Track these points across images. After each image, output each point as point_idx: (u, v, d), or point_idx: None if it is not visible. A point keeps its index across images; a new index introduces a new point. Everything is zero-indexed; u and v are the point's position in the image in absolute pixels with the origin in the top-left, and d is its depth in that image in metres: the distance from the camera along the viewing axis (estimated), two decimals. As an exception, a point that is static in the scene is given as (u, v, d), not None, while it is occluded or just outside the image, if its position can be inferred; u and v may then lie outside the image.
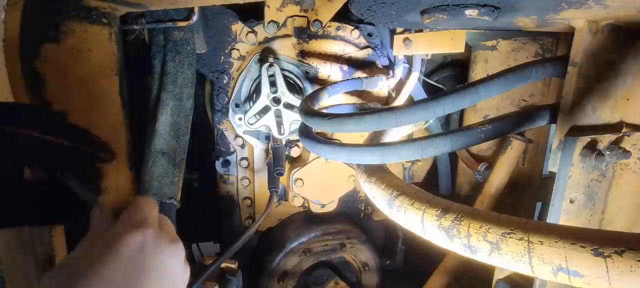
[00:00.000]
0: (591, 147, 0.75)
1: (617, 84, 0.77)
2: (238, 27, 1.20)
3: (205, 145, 1.38)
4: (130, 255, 0.52)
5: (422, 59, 1.26)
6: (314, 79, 1.28)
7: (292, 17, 1.20)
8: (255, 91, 1.23)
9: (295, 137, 1.33)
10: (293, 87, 1.24)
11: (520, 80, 0.78)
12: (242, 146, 1.34)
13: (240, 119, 1.26)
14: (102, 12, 0.77)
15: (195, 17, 0.96)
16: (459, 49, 1.11)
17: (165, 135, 0.96)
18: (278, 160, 1.22)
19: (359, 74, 1.30)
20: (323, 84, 1.27)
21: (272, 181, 1.24)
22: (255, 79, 1.24)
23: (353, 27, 1.26)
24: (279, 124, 1.22)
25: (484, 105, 1.29)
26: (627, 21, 0.73)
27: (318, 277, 1.44)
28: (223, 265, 0.98)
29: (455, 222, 0.55)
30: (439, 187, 1.50)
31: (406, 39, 1.16)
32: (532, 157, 1.22)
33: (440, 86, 1.45)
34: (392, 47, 1.21)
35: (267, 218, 1.21)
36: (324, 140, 0.89)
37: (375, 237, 1.61)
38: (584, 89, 0.76)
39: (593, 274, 0.43)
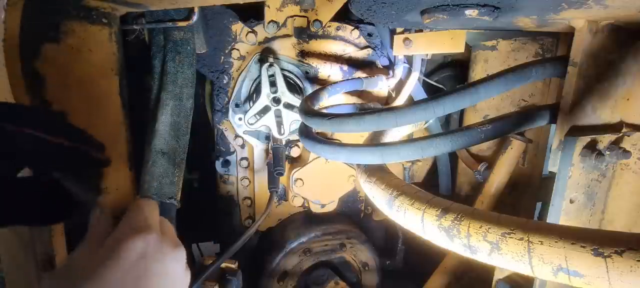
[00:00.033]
0: (591, 147, 0.75)
1: (617, 84, 0.77)
2: (238, 27, 1.20)
3: (205, 145, 1.38)
4: (133, 261, 0.52)
5: (422, 59, 1.26)
6: (314, 79, 1.28)
7: (292, 17, 1.20)
8: (255, 91, 1.23)
9: (295, 137, 1.33)
10: (293, 87, 1.24)
11: (520, 80, 0.78)
12: (242, 146, 1.34)
13: (240, 119, 1.26)
14: (102, 12, 0.77)
15: (195, 17, 0.96)
16: (459, 49, 1.11)
17: (165, 135, 0.96)
18: (278, 160, 1.22)
19: (359, 74, 1.30)
20: (323, 84, 1.27)
21: (272, 181, 1.24)
22: (255, 79, 1.24)
23: (353, 27, 1.26)
24: (279, 124, 1.22)
25: (484, 105, 1.29)
26: (627, 21, 0.73)
27: (318, 277, 1.44)
28: (223, 265, 0.98)
29: (455, 222, 0.55)
30: (439, 187, 1.50)
31: (406, 39, 1.16)
32: (532, 157, 1.22)
33: (440, 86, 1.45)
34: (392, 47, 1.21)
35: (267, 218, 1.21)
36: (324, 140, 0.89)
37: (375, 237, 1.61)
38: (584, 89, 0.76)
39: (593, 274, 0.43)
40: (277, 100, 1.19)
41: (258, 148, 1.33)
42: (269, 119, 1.21)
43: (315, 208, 1.40)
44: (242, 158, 1.35)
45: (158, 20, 0.95)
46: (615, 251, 0.41)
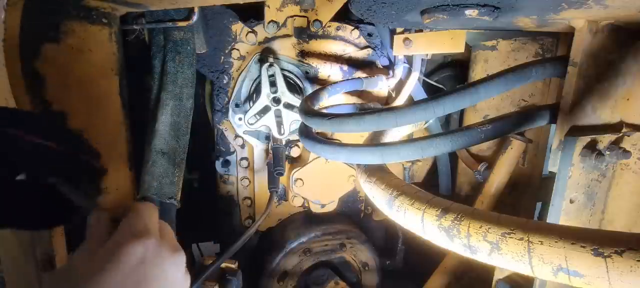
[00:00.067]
0: (591, 147, 0.75)
1: (617, 84, 0.77)
2: (238, 27, 1.20)
3: (205, 145, 1.38)
4: (132, 266, 0.52)
5: (422, 59, 1.26)
6: (314, 79, 1.28)
7: (292, 17, 1.20)
8: (255, 91, 1.23)
9: (295, 137, 1.33)
10: (293, 87, 1.24)
11: (520, 80, 0.78)
12: (242, 146, 1.34)
13: (240, 119, 1.26)
14: (102, 12, 0.77)
15: (195, 17, 0.96)
16: (459, 49, 1.11)
17: (165, 135, 0.96)
18: (278, 160, 1.22)
19: (359, 74, 1.30)
20: (323, 84, 1.27)
21: (272, 181, 1.24)
22: (255, 79, 1.24)
23: (353, 27, 1.26)
24: (279, 124, 1.22)
25: (484, 105, 1.29)
26: (627, 21, 0.73)
27: (318, 277, 1.44)
28: (223, 265, 0.98)
29: (455, 222, 0.55)
30: (439, 187, 1.50)
31: (406, 39, 1.16)
32: (532, 157, 1.22)
33: (440, 86, 1.45)
34: (392, 47, 1.21)
35: (267, 218, 1.21)
36: (324, 140, 0.89)
37: (375, 237, 1.61)
38: (584, 89, 0.76)
39: (593, 274, 0.43)
40: (277, 100, 1.19)
41: (258, 148, 1.33)
42: (269, 119, 1.21)
43: (315, 208, 1.40)
44: (242, 158, 1.35)
45: (158, 20, 0.95)
46: (615, 251, 0.41)
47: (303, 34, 1.22)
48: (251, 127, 1.23)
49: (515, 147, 1.18)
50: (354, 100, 1.34)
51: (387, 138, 0.92)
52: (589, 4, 0.64)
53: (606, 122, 0.79)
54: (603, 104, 0.77)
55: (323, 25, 1.21)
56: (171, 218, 0.98)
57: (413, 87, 1.25)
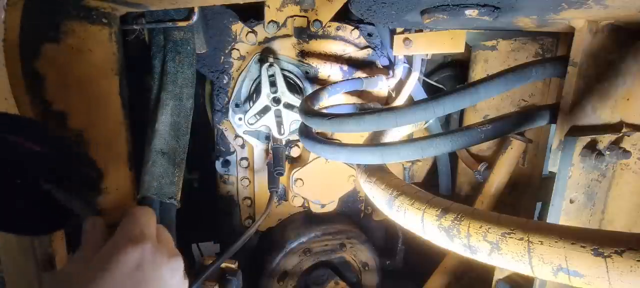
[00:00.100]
0: (591, 147, 0.75)
1: (617, 84, 0.77)
2: (238, 27, 1.20)
3: (205, 145, 1.38)
4: (128, 272, 0.51)
5: (422, 59, 1.26)
6: (314, 79, 1.28)
7: (292, 17, 1.20)
8: (255, 91, 1.23)
9: (295, 137, 1.33)
10: (293, 87, 1.24)
11: (520, 80, 0.78)
12: (242, 146, 1.34)
13: (240, 119, 1.26)
14: (102, 12, 0.77)
15: (195, 17, 0.96)
16: (459, 49, 1.11)
17: (165, 135, 0.96)
18: (278, 160, 1.22)
19: (359, 74, 1.30)
20: (323, 84, 1.27)
21: (272, 181, 1.24)
22: (255, 79, 1.24)
23: (353, 27, 1.26)
24: (279, 124, 1.22)
25: (484, 105, 1.29)
26: (627, 21, 0.73)
27: (318, 277, 1.44)
28: (223, 265, 0.98)
29: (455, 222, 0.55)
30: (439, 187, 1.50)
31: (406, 39, 1.16)
32: (532, 157, 1.22)
33: (440, 86, 1.45)
34: (392, 47, 1.21)
35: (267, 218, 1.21)
36: (324, 140, 0.89)
37: (375, 237, 1.61)
38: (584, 89, 0.76)
39: (593, 274, 0.43)
40: (277, 100, 1.19)
41: (258, 148, 1.33)
42: (269, 119, 1.21)
43: (315, 208, 1.40)
44: (242, 158, 1.36)
45: (158, 20, 0.95)
46: (615, 251, 0.41)
47: (303, 34, 1.22)
48: (251, 127, 1.23)
49: (515, 147, 1.18)
50: (354, 100, 1.34)
51: (387, 138, 0.92)
52: (589, 4, 0.64)
53: (606, 122, 0.79)
54: (603, 104, 0.77)
55: (323, 25, 1.21)
56: (171, 218, 0.98)
57: (413, 87, 1.25)
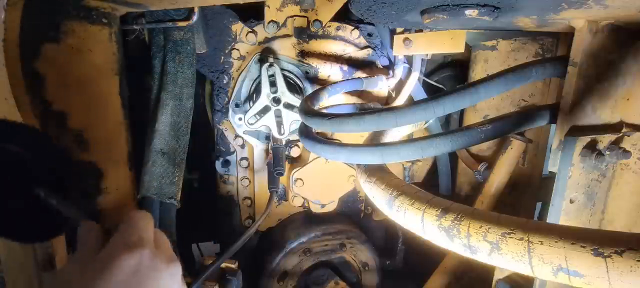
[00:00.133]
0: (591, 147, 0.75)
1: (617, 84, 0.77)
2: (238, 27, 1.20)
3: (205, 145, 1.38)
4: (126, 278, 0.51)
5: (422, 59, 1.26)
6: (314, 79, 1.28)
7: (292, 17, 1.20)
8: (255, 91, 1.23)
9: (295, 137, 1.33)
10: (293, 87, 1.24)
11: (520, 80, 0.78)
12: (242, 146, 1.34)
13: (240, 119, 1.26)
14: (102, 12, 0.77)
15: (195, 17, 0.96)
16: (459, 49, 1.11)
17: (165, 135, 0.96)
18: (278, 160, 1.22)
19: (359, 74, 1.30)
20: (323, 84, 1.27)
21: (272, 181, 1.24)
22: (255, 79, 1.24)
23: (353, 27, 1.26)
24: (279, 124, 1.22)
25: (484, 105, 1.29)
26: (627, 21, 0.73)
27: (318, 277, 1.44)
28: (223, 265, 0.98)
29: (455, 222, 0.55)
30: (439, 187, 1.50)
31: (406, 39, 1.16)
32: (532, 157, 1.22)
33: (440, 86, 1.45)
34: (392, 47, 1.21)
35: (267, 218, 1.21)
36: (324, 140, 0.89)
37: (375, 237, 1.61)
38: (584, 89, 0.76)
39: (593, 274, 0.43)
40: (277, 100, 1.19)
41: (258, 148, 1.33)
42: (269, 119, 1.21)
43: (315, 208, 1.40)
44: (242, 158, 1.35)
45: (158, 20, 0.95)
46: (615, 251, 0.41)
47: (303, 34, 1.22)
48: (251, 127, 1.23)
49: (515, 147, 1.18)
50: (354, 100, 1.34)
51: (387, 138, 0.92)
52: (589, 4, 0.64)
53: (606, 122, 0.79)
54: (603, 104, 0.77)
55: (323, 25, 1.21)
56: (171, 218, 0.98)
57: (413, 87, 1.25)
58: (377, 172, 0.74)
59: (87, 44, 0.75)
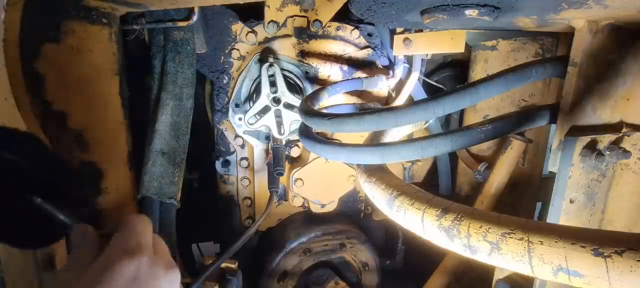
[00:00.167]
0: (591, 147, 0.75)
1: (617, 84, 0.77)
2: (238, 27, 1.20)
3: (205, 145, 1.38)
4: (124, 285, 0.50)
5: (422, 59, 1.26)
6: (314, 79, 1.28)
7: (292, 17, 1.20)
8: (255, 91, 1.23)
9: (295, 137, 1.33)
10: (293, 87, 1.24)
11: (520, 80, 0.78)
12: (242, 146, 1.34)
13: (240, 119, 1.26)
14: (102, 12, 0.77)
15: (195, 17, 0.96)
16: (459, 49, 1.11)
17: (165, 135, 0.96)
18: (278, 160, 1.22)
19: (359, 74, 1.30)
20: (323, 84, 1.27)
21: (272, 181, 1.24)
22: (255, 79, 1.24)
23: (353, 27, 1.26)
24: (279, 124, 1.22)
25: (484, 105, 1.29)
26: (627, 21, 0.73)
27: (318, 277, 1.44)
28: (223, 265, 0.98)
29: (455, 222, 0.55)
30: (439, 187, 1.50)
31: (406, 39, 1.16)
32: (532, 157, 1.22)
33: (440, 86, 1.45)
34: (392, 47, 1.21)
35: (267, 218, 1.21)
36: (324, 140, 0.89)
37: (375, 237, 1.61)
38: (584, 89, 0.76)
39: (593, 274, 0.43)
40: (277, 100, 1.19)
41: (258, 148, 1.33)
42: (269, 119, 1.21)
43: (315, 208, 1.40)
44: (242, 158, 1.35)
45: (158, 20, 0.95)
46: (615, 251, 0.41)
47: (303, 34, 1.22)
48: (251, 127, 1.23)
49: (515, 147, 1.18)
50: (354, 100, 1.34)
51: (387, 138, 0.92)
52: (589, 4, 0.64)
53: (606, 122, 0.79)
54: (603, 104, 0.77)
55: (323, 25, 1.21)
56: (171, 218, 0.98)
57: (413, 87, 1.25)
58: (377, 172, 0.74)
59: (87, 44, 0.75)
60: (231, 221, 1.42)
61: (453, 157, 1.48)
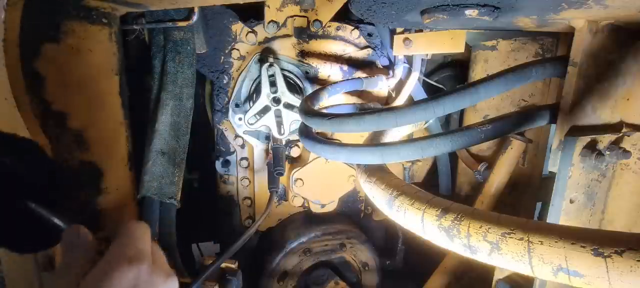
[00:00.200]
0: (591, 147, 0.75)
1: (617, 84, 0.77)
2: (238, 27, 1.20)
3: (205, 145, 1.38)
4: None
5: (422, 59, 1.26)
6: (314, 79, 1.28)
7: (292, 17, 1.20)
8: (255, 91, 1.23)
9: (295, 137, 1.33)
10: (293, 87, 1.24)
11: (520, 80, 0.78)
12: (242, 146, 1.34)
13: (240, 119, 1.26)
14: (102, 12, 0.77)
15: (195, 17, 0.96)
16: (459, 49, 1.11)
17: (165, 135, 0.96)
18: (278, 160, 1.22)
19: (359, 74, 1.30)
20: (323, 84, 1.27)
21: (272, 181, 1.24)
22: (255, 79, 1.24)
23: (353, 27, 1.26)
24: (279, 124, 1.22)
25: (484, 105, 1.29)
26: (627, 21, 0.73)
27: (318, 277, 1.44)
28: (223, 265, 0.98)
29: (455, 222, 0.55)
30: (439, 187, 1.50)
31: (406, 39, 1.16)
32: (532, 157, 1.22)
33: (440, 86, 1.45)
34: (392, 47, 1.21)
35: (267, 218, 1.20)
36: (324, 140, 0.89)
37: (375, 237, 1.61)
38: (584, 89, 0.76)
39: (593, 274, 0.43)
40: (277, 100, 1.19)
41: (258, 148, 1.33)
42: (269, 119, 1.21)
43: (315, 208, 1.40)
44: (242, 158, 1.35)
45: (158, 20, 0.95)
46: (615, 251, 0.41)
47: (303, 34, 1.22)
48: (251, 127, 1.23)
49: (515, 147, 1.18)
50: (354, 100, 1.34)
51: (387, 138, 0.92)
52: (589, 4, 0.64)
53: (606, 122, 0.79)
54: (603, 104, 0.77)
55: (323, 25, 1.21)
56: (171, 218, 0.98)
57: (413, 87, 1.25)
58: (377, 172, 0.74)
59: (87, 44, 0.75)
60: (231, 221, 1.42)
61: (453, 157, 1.47)
